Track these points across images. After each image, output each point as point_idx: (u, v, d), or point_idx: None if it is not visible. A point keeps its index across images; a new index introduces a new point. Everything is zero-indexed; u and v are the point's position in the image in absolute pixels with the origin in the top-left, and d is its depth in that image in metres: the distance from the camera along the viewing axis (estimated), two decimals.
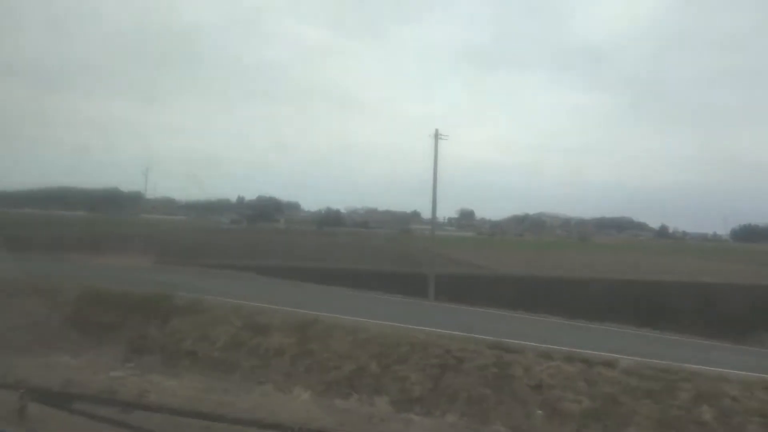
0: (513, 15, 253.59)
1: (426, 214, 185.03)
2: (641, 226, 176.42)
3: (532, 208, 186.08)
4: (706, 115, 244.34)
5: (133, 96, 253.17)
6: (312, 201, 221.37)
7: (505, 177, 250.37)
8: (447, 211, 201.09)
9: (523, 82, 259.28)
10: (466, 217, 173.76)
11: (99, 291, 14.76)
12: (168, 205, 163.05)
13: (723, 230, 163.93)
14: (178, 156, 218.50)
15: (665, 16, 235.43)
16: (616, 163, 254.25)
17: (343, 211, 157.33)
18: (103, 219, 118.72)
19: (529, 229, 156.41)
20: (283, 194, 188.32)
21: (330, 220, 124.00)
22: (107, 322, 12.80)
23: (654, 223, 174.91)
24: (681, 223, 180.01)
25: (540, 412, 8.75)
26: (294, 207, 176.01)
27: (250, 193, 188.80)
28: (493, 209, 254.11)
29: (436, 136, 37.18)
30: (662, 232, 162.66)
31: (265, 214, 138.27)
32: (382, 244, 71.77)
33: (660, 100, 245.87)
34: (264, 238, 70.47)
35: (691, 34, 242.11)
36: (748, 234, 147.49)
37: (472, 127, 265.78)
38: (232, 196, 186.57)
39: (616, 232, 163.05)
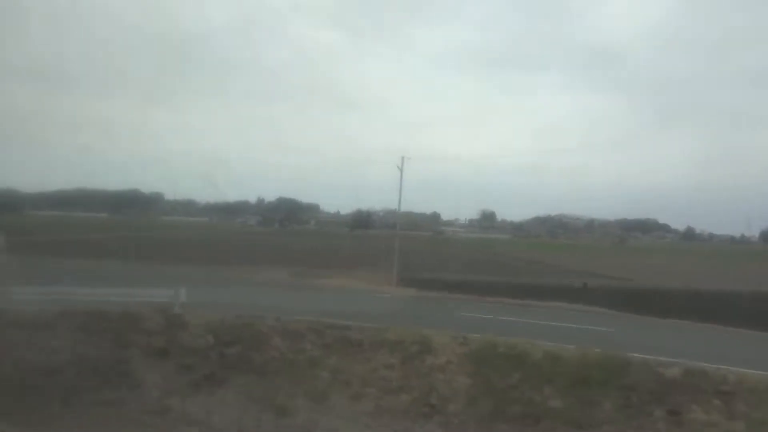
0: (530, 17, 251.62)
1: (445, 215, 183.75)
2: (665, 228, 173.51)
3: (551, 210, 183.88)
4: (730, 114, 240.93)
5: (150, 98, 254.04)
6: (328, 202, 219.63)
7: (523, 178, 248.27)
8: (468, 212, 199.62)
9: (539, 83, 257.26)
10: (487, 218, 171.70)
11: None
12: (188, 206, 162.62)
13: (749, 231, 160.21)
14: (193, 157, 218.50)
15: (681, 14, 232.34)
16: (636, 164, 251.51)
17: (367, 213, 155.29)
18: (127, 221, 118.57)
19: (552, 231, 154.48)
20: (300, 195, 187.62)
21: (360, 221, 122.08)
22: None
23: (677, 225, 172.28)
24: (706, 224, 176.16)
25: None
26: (314, 208, 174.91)
27: (268, 195, 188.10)
28: (512, 211, 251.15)
29: (402, 163, 35.83)
30: (688, 234, 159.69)
31: (292, 216, 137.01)
32: (449, 250, 68.30)
33: (682, 100, 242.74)
34: (330, 243, 68.71)
35: (710, 33, 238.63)
36: None
37: (490, 127, 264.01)
38: (249, 198, 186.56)
39: (640, 234, 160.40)
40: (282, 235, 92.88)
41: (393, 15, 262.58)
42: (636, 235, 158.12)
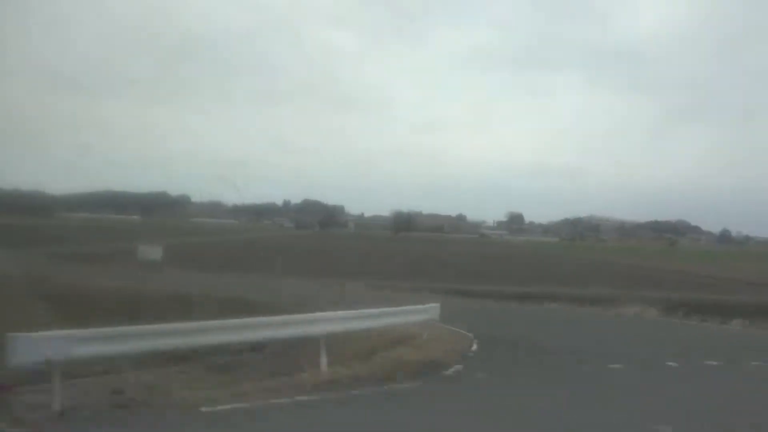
0: (558, 18, 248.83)
1: (471, 216, 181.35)
2: (697, 230, 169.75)
3: (578, 212, 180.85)
4: (760, 114, 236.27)
5: (172, 101, 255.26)
6: (353, 204, 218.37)
7: (550, 180, 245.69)
8: (494, 214, 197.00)
9: (562, 83, 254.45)
10: (515, 220, 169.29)
11: None
12: (215, 208, 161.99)
13: None
14: (215, 159, 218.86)
15: (709, 15, 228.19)
16: (664, 165, 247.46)
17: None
18: (163, 223, 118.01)
19: (584, 234, 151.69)
20: (326, 197, 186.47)
21: (402, 224, 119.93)
22: None
23: (708, 227, 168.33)
24: (740, 226, 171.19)
25: None
26: (339, 211, 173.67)
27: (293, 197, 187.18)
28: (537, 212, 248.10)
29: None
30: (723, 237, 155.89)
31: (330, 219, 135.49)
32: (531, 256, 64.97)
33: (712, 99, 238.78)
34: (416, 250, 65.57)
35: (738, 32, 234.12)
36: None
37: (514, 129, 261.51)
38: (275, 200, 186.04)
39: (673, 237, 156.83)
40: (334, 239, 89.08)
41: (407, 15, 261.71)
42: (668, 237, 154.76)
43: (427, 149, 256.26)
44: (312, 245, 59.97)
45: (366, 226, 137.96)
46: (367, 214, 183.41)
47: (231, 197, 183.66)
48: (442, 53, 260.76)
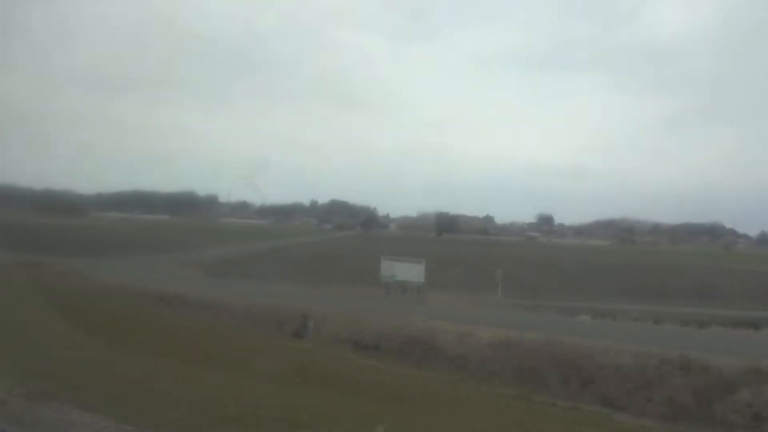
0: (587, 18, 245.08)
1: (499, 218, 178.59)
2: (732, 233, 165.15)
3: (605, 213, 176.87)
4: None
5: (199, 101, 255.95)
6: (379, 205, 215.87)
7: (576, 180, 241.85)
8: (523, 215, 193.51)
9: (588, 84, 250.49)
10: (545, 222, 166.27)
11: None
12: (242, 208, 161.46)
13: None
14: (242, 159, 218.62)
15: (736, 11, 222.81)
16: (696, 166, 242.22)
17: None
18: (200, 224, 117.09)
19: (618, 235, 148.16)
20: (352, 198, 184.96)
21: (445, 225, 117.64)
22: None
23: (744, 229, 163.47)
24: None
25: None
26: (367, 211, 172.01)
27: (320, 197, 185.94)
28: (566, 214, 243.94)
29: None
30: (761, 239, 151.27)
31: (372, 221, 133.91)
32: (635, 265, 58.26)
33: (740, 99, 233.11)
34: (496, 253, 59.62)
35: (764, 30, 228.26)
36: None
37: (540, 130, 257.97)
38: (302, 200, 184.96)
39: (709, 239, 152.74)
40: (390, 241, 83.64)
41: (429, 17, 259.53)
42: (704, 240, 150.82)
43: (450, 149, 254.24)
44: (421, 251, 51.43)
45: (410, 227, 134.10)
46: (393, 215, 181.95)
47: (253, 197, 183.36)
48: (467, 54, 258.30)
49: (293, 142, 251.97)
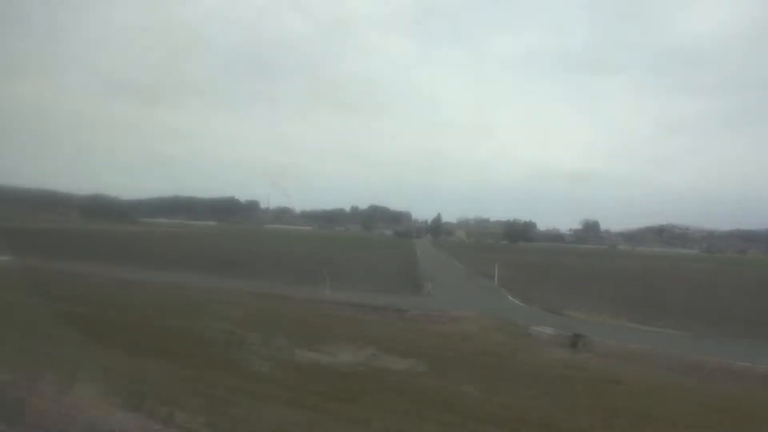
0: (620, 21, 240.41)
1: (542, 224, 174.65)
2: None
3: (654, 220, 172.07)
4: None
5: (230, 108, 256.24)
6: (418, 210, 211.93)
7: (618, 187, 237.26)
8: (568, 222, 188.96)
9: (635, 89, 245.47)
10: (591, 228, 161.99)
11: None
12: (284, 214, 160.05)
13: None
14: (277, 165, 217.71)
15: None
16: (747, 171, 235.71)
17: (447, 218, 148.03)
18: (249, 230, 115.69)
19: (670, 242, 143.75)
20: (391, 203, 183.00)
21: (517, 233, 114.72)
22: None
23: None
24: None
25: None
26: (406, 216, 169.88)
27: (360, 203, 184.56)
28: (610, 220, 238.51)
29: None
30: None
31: (437, 228, 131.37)
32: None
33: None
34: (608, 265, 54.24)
35: None
36: None
37: (584, 135, 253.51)
38: (343, 206, 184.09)
39: (765, 246, 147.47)
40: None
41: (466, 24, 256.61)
42: (761, 248, 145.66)
43: (486, 156, 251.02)
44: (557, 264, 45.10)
45: (475, 234, 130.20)
46: (430, 220, 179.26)
47: (281, 201, 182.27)
48: (501, 59, 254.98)
49: (326, 149, 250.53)
